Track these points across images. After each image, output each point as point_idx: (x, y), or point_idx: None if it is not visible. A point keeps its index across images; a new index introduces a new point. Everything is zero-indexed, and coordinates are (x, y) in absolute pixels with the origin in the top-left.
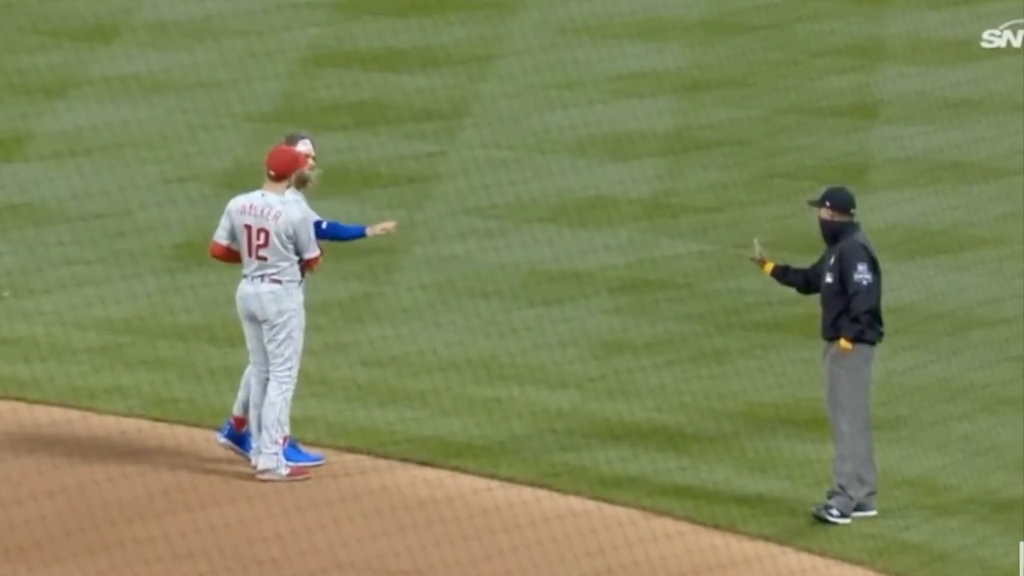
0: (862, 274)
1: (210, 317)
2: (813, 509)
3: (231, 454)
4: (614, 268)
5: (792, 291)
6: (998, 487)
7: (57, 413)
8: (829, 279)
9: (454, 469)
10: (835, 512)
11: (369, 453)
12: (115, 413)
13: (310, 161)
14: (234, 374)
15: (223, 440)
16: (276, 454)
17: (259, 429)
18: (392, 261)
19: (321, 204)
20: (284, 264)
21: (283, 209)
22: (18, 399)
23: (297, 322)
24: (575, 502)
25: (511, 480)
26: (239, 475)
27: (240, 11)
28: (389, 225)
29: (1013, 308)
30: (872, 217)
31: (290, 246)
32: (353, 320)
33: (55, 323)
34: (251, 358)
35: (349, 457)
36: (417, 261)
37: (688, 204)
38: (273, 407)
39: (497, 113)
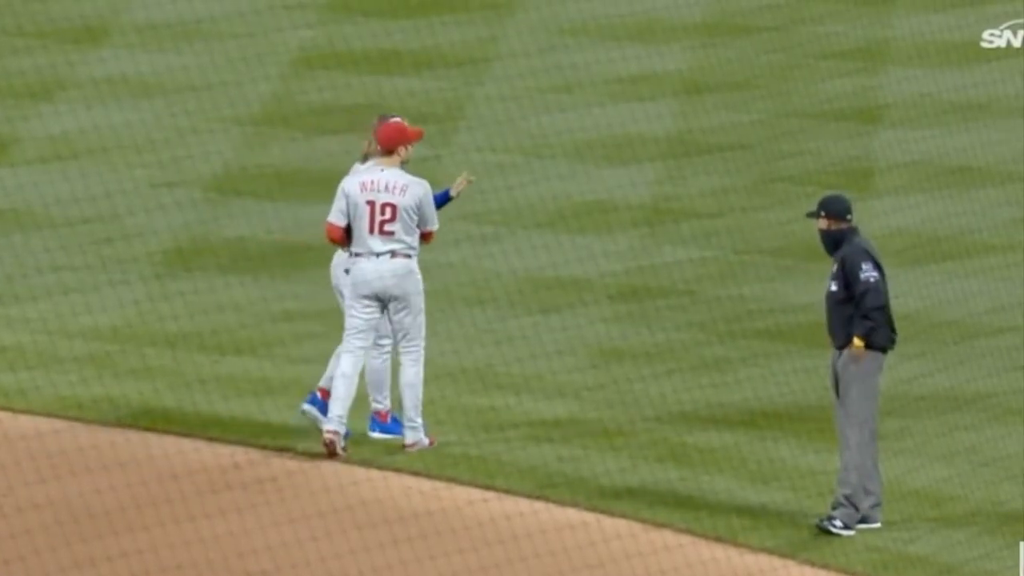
0: (867, 272)
1: (200, 325)
2: (816, 521)
3: (222, 464)
4: (613, 275)
5: (794, 298)
6: (1005, 499)
7: (43, 423)
8: (833, 287)
9: (449, 480)
10: (839, 524)
11: (363, 463)
12: (103, 423)
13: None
14: (224, 382)
15: (307, 407)
16: (420, 427)
17: (340, 401)
18: None
19: (314, 209)
20: (409, 238)
21: (409, 182)
22: (4, 409)
23: (423, 297)
24: (573, 514)
25: (507, 491)
26: (229, 486)
27: (230, 12)
28: (463, 182)
29: (1021, 316)
30: (877, 223)
31: (415, 218)
32: None
33: (41, 331)
34: (356, 340)
35: (342, 467)
36: None
37: (689, 209)
38: (416, 387)
39: (493, 116)
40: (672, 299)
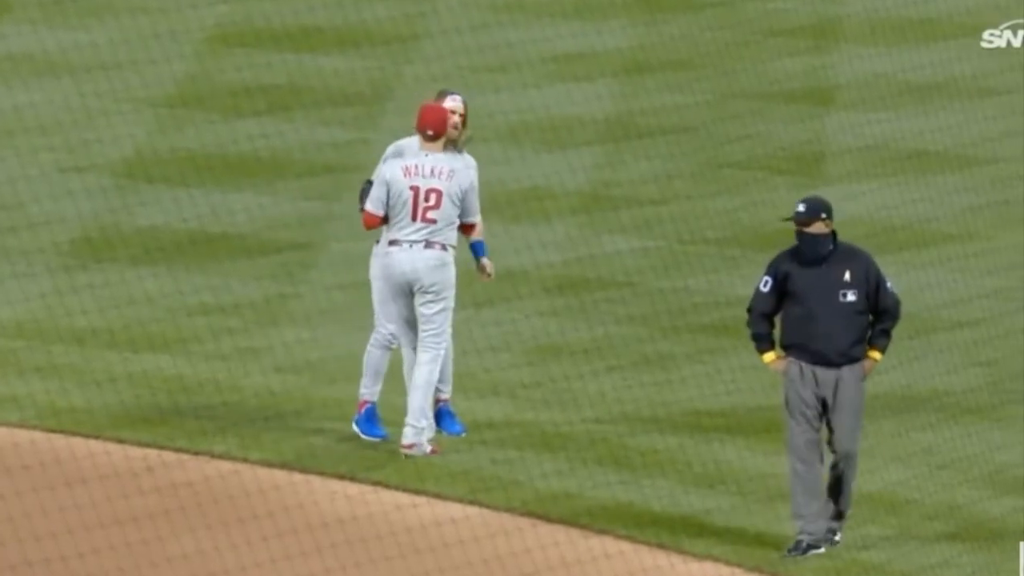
0: (890, 282)
1: (110, 319)
2: (837, 540)
3: (134, 468)
4: (550, 266)
5: (741, 290)
6: (963, 502)
7: None
8: (852, 296)
9: (376, 484)
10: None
11: (284, 467)
12: (7, 424)
13: (454, 118)
14: (136, 380)
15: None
16: (424, 430)
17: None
18: (308, 258)
19: (232, 196)
20: (450, 228)
21: (456, 168)
22: None
23: (454, 292)
24: (507, 519)
25: (438, 496)
26: (142, 491)
27: None
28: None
29: (980, 309)
30: None
31: (458, 207)
32: (266, 322)
33: None
34: (407, 342)
35: (263, 471)
36: (334, 258)
37: (630, 196)
38: (427, 388)
39: (422, 98)
40: (612, 291)
